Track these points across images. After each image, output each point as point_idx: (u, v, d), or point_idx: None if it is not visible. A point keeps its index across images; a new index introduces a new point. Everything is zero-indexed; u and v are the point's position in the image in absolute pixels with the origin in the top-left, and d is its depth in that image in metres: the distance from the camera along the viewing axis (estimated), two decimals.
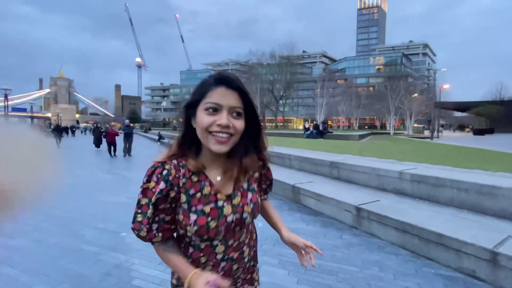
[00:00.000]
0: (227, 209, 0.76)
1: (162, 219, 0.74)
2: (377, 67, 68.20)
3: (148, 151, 14.38)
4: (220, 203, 0.76)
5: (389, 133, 33.71)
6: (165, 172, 0.73)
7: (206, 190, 0.75)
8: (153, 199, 0.72)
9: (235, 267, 0.83)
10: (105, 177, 7.28)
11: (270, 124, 56.87)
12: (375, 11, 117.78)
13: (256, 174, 0.88)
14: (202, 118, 0.71)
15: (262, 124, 0.81)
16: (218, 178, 0.78)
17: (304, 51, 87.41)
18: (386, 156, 6.27)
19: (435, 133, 28.34)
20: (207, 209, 0.74)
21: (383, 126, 51.69)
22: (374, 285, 2.29)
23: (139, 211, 0.74)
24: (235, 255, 0.82)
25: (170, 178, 0.73)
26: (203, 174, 0.77)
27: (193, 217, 0.73)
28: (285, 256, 2.77)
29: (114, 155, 11.62)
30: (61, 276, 2.43)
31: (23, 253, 2.90)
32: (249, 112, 0.75)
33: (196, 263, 0.79)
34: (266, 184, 0.96)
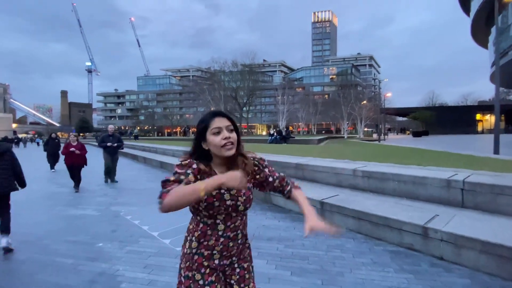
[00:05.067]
0: (227, 196, 1.12)
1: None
2: (330, 77, 73.57)
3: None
4: (222, 191, 1.11)
5: (343, 137, 36.50)
6: (194, 163, 1.11)
7: None
8: (195, 169, 1.08)
9: (230, 244, 1.17)
10: (62, 190, 6.81)
11: None
12: (327, 25, 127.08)
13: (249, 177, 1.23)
14: (214, 139, 1.11)
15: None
16: None
17: (264, 60, 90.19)
18: (342, 157, 7.04)
19: (382, 136, 31.58)
20: (213, 192, 1.08)
21: (338, 131, 55.56)
22: (338, 263, 2.75)
23: (171, 177, 1.04)
24: (231, 235, 1.16)
25: (196, 166, 1.11)
26: (213, 173, 1.14)
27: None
28: (263, 249, 3.11)
29: (76, 188, 6.60)
30: None
31: None
32: (235, 129, 1.15)
33: (204, 234, 1.15)
34: (271, 183, 1.25)
